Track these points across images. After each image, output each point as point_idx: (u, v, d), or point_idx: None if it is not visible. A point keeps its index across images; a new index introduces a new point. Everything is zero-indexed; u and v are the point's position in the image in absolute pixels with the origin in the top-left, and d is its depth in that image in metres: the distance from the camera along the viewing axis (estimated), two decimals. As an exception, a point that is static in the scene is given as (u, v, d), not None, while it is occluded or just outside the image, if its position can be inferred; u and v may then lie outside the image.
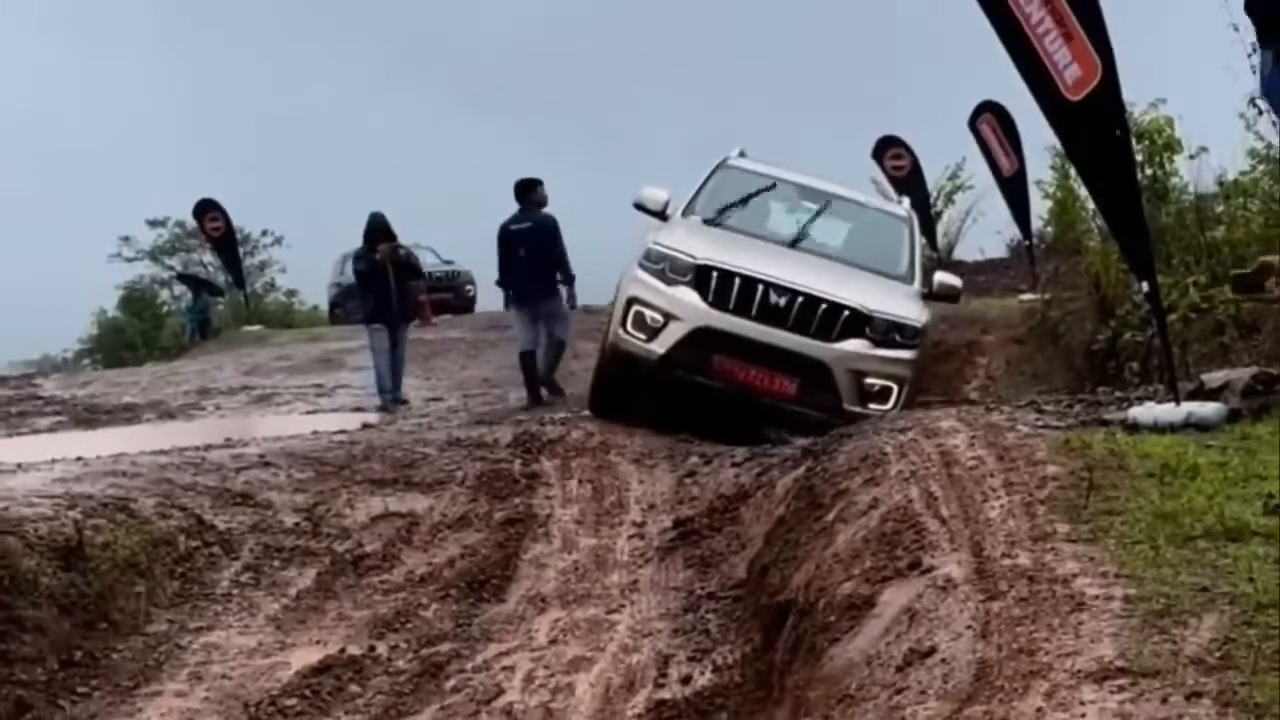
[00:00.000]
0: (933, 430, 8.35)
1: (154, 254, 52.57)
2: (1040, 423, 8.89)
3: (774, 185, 13.95)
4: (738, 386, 12.00)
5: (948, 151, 30.58)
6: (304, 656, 7.67)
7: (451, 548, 9.30)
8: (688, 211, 13.45)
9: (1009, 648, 4.56)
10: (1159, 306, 9.25)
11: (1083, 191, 20.37)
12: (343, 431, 13.09)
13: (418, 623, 8.14)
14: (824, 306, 12.02)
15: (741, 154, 14.38)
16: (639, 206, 13.33)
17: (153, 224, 52.07)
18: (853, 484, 7.74)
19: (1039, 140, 21.55)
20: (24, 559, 7.64)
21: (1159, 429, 8.19)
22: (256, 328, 33.61)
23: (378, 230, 17.01)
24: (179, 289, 46.70)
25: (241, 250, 40.83)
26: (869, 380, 12.05)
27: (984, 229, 31.20)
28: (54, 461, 10.53)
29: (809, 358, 11.96)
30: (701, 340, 12.00)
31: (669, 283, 12.16)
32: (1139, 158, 16.13)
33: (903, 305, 12.65)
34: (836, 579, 6.36)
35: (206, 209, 34.72)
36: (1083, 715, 3.86)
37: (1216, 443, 7.32)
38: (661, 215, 13.29)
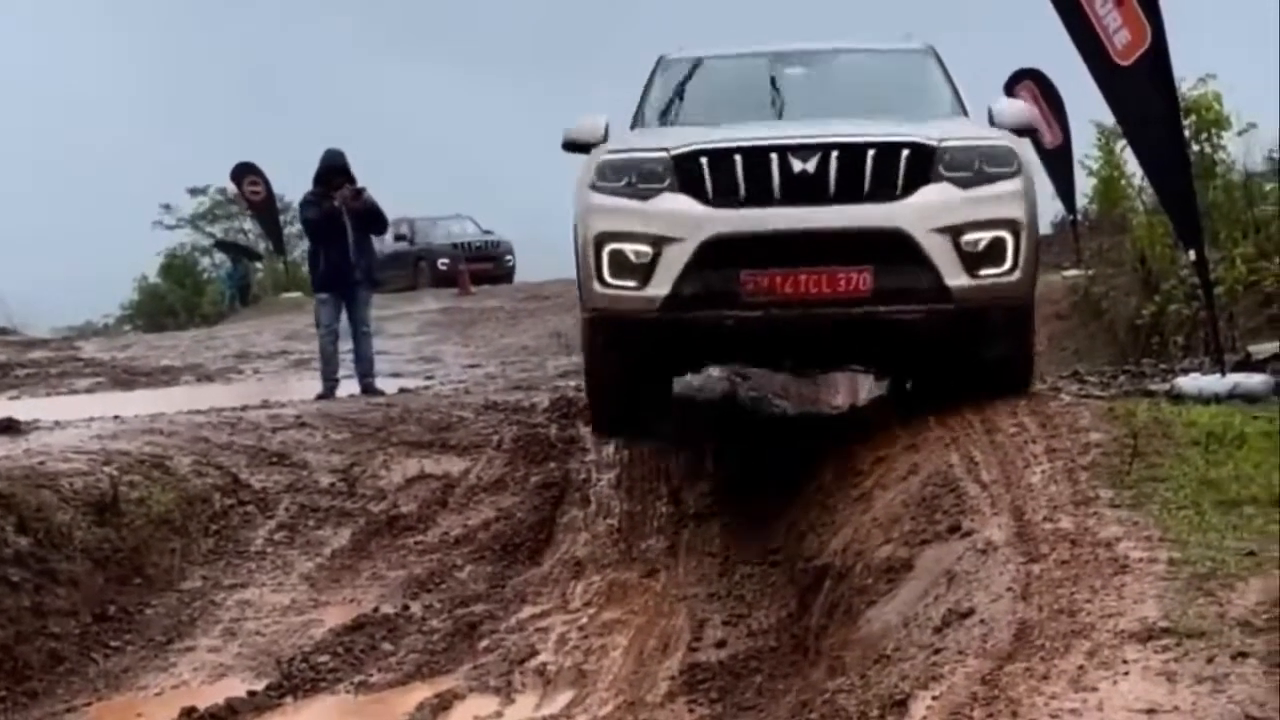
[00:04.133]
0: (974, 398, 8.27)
1: (194, 221, 52.83)
2: (1083, 392, 8.82)
3: (742, 58, 10.41)
4: (788, 305, 8.02)
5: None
6: (338, 615, 7.65)
7: (487, 510, 9.25)
8: (635, 125, 9.63)
9: (1050, 609, 4.48)
10: (1205, 275, 9.14)
11: (1129, 168, 20.29)
12: (379, 394, 13.07)
13: (452, 583, 8.11)
14: (873, 153, 8.05)
15: (682, 49, 10.58)
16: (571, 146, 9.22)
17: (193, 192, 52.35)
18: (892, 450, 7.67)
19: (1082, 113, 21.37)
20: (59, 513, 7.64)
21: (1204, 399, 8.11)
22: (295, 294, 33.69)
23: (334, 171, 13.50)
24: (219, 256, 46.94)
25: (281, 218, 40.90)
26: (969, 237, 8.01)
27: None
28: (91, 419, 10.54)
29: (876, 230, 8.00)
30: (717, 257, 8.07)
31: (644, 196, 8.23)
32: (1187, 133, 15.98)
33: (975, 130, 8.78)
34: (875, 542, 6.30)
35: (246, 172, 34.76)
36: (1126, 674, 3.78)
37: (1264, 413, 7.22)
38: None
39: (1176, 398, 8.29)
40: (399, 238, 32.69)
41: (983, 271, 8.01)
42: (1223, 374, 8.66)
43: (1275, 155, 15.93)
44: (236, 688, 6.78)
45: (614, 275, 8.28)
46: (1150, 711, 3.55)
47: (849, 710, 4.40)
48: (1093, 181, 22.96)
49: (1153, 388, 8.90)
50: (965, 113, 9.41)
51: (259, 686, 6.79)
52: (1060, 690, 3.80)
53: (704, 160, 8.07)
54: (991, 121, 8.91)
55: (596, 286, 8.36)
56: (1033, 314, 8.70)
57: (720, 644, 6.92)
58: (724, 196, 8.04)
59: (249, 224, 46.82)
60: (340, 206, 13.26)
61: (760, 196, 8.00)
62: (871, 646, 5.13)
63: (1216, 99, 16.86)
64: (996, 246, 8.06)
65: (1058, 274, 22.03)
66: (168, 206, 52.42)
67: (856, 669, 4.98)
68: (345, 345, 13.71)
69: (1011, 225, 8.08)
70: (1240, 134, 16.53)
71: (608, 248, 8.27)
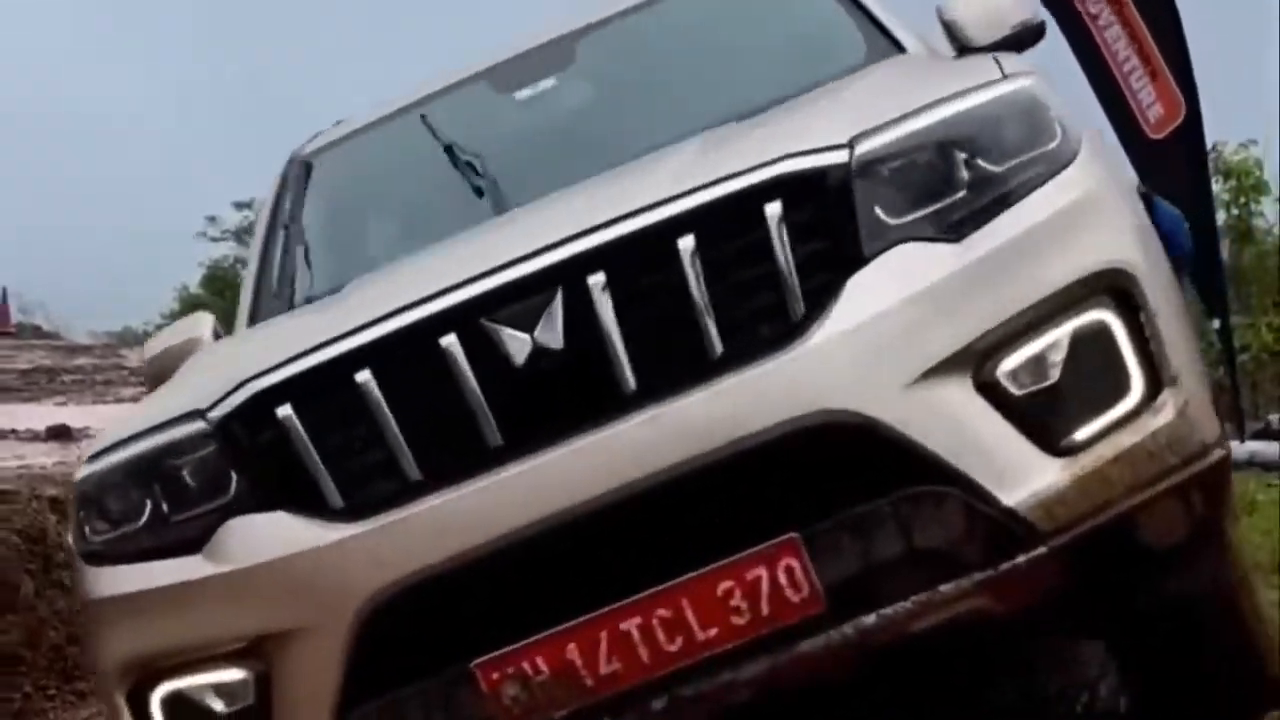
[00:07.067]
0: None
1: (239, 235, 53.27)
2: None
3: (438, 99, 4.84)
4: (620, 710, 2.71)
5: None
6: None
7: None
8: (261, 309, 4.49)
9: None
10: (1229, 343, 9.34)
11: (1164, 228, 20.48)
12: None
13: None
14: (692, 239, 2.71)
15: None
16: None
17: (239, 206, 52.75)
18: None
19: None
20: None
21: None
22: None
23: None
24: (262, 270, 47.24)
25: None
26: (1016, 359, 2.71)
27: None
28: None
29: (775, 437, 2.64)
30: (402, 647, 2.77)
31: (193, 540, 2.96)
32: (1225, 197, 16.22)
33: (933, 76, 3.42)
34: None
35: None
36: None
37: (1277, 482, 7.39)
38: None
39: (1194, 462, 8.51)
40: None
41: (1085, 431, 2.75)
42: (1241, 440, 8.87)
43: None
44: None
45: None
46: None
47: None
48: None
49: (1172, 451, 9.10)
50: (899, 37, 4.30)
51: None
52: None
53: (287, 411, 2.87)
54: (960, 46, 3.82)
55: None
56: (1229, 492, 3.18)
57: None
58: (368, 486, 2.86)
59: (293, 240, 47.20)
60: None
61: (456, 454, 2.80)
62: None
63: (1257, 165, 17.01)
64: (1091, 354, 2.77)
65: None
66: (213, 219, 52.88)
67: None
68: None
69: (1112, 283, 2.80)
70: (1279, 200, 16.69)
71: (156, 697, 3.07)
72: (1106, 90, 8.65)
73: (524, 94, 4.81)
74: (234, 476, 2.96)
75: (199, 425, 2.98)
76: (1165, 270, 2.99)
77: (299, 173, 4.98)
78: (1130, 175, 5.14)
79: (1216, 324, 9.16)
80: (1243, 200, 16.92)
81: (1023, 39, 3.75)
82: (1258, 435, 9.29)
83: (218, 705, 2.99)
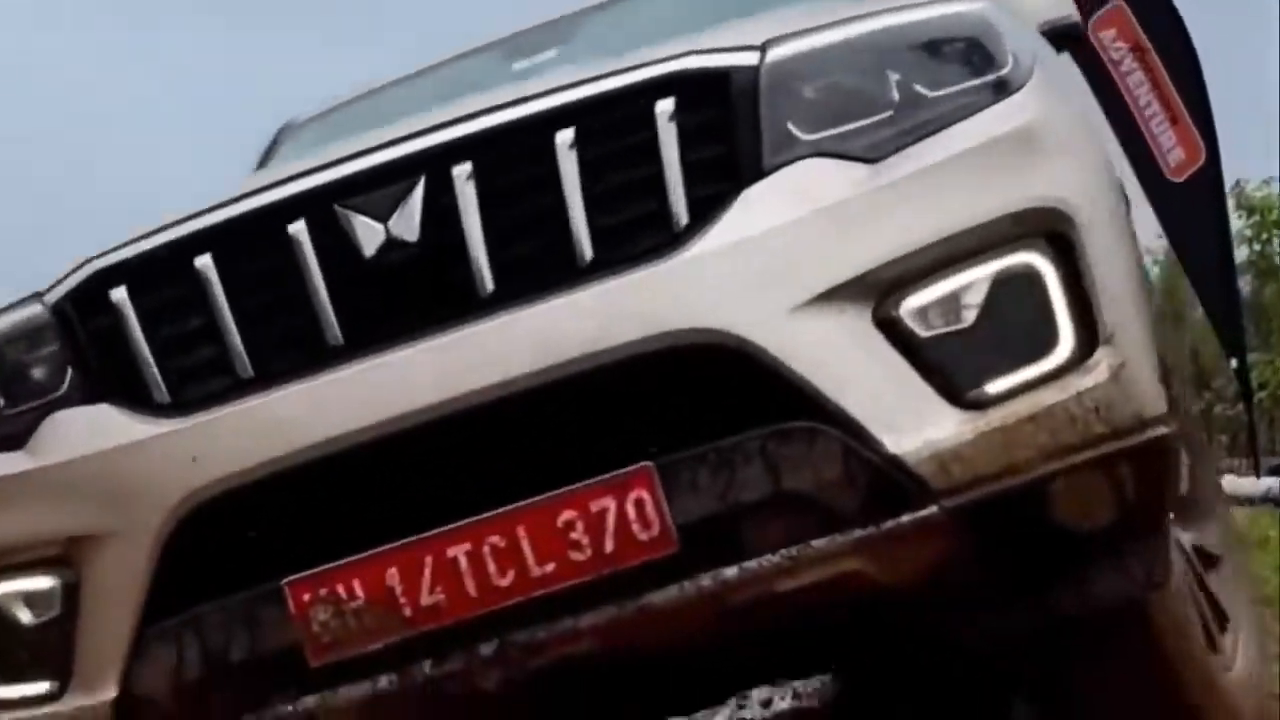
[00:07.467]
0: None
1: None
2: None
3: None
4: (445, 644, 2.41)
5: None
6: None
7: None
8: None
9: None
10: (1247, 382, 9.49)
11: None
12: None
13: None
14: (572, 133, 2.43)
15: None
16: None
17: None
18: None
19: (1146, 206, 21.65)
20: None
21: (1237, 500, 8.46)
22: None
23: None
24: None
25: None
26: (925, 295, 2.38)
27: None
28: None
29: (636, 354, 2.36)
30: (212, 556, 2.51)
31: (20, 431, 2.71)
32: (1248, 233, 16.39)
33: None
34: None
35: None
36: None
37: (1291, 517, 7.55)
38: None
39: (1212, 497, 8.67)
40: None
41: (999, 384, 2.38)
42: (1258, 476, 9.03)
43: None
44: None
45: None
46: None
47: None
48: (1155, 271, 23.28)
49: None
50: None
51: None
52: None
53: (121, 295, 2.61)
54: None
55: None
56: (1174, 482, 2.70)
57: (766, 703, 7.27)
58: (199, 381, 2.59)
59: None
60: None
61: (293, 350, 2.54)
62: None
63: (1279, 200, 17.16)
64: (1015, 299, 2.41)
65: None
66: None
67: None
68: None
69: (1046, 224, 2.43)
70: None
71: None
72: (1128, 134, 8.83)
73: (520, 65, 4.64)
74: (60, 361, 2.73)
75: (36, 309, 2.74)
76: (1119, 219, 2.67)
77: (287, 137, 4.98)
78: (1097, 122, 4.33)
79: (1234, 363, 9.33)
80: (1265, 236, 17.04)
81: (1052, 40, 3.28)
82: (1274, 471, 9.46)
83: (25, 616, 2.73)
